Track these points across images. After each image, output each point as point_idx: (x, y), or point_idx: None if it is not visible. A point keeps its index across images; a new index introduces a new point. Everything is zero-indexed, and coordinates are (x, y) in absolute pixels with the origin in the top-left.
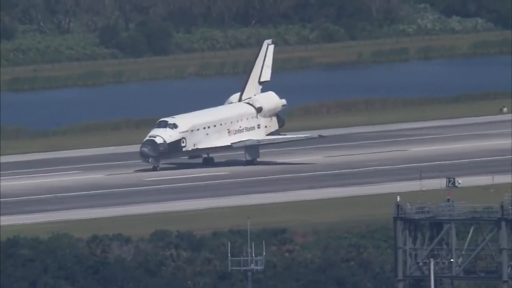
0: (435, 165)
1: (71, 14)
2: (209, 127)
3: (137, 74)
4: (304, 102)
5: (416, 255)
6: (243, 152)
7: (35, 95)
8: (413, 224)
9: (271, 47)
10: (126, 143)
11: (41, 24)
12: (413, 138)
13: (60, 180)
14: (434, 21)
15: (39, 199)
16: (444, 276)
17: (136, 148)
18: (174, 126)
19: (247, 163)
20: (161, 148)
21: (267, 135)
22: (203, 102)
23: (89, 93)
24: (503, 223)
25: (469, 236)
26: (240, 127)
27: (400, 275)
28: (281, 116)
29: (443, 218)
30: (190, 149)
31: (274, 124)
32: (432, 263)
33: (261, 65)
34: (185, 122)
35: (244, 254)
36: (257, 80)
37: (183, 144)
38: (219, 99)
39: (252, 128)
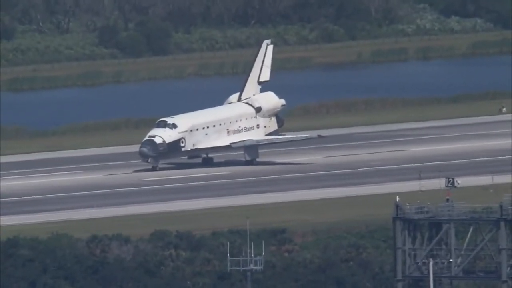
0: (435, 165)
1: (71, 14)
2: (208, 127)
3: (136, 74)
4: (304, 102)
5: (415, 255)
6: (243, 152)
7: (35, 95)
8: (413, 224)
9: (270, 47)
10: (125, 143)
11: (41, 24)
12: (412, 138)
13: (59, 180)
14: (433, 21)
15: (39, 199)
16: (443, 276)
17: (135, 148)
18: (174, 126)
19: (247, 163)
20: (161, 148)
21: (266, 135)
22: (202, 102)
23: (88, 93)
24: (502, 223)
25: (468, 236)
26: (240, 127)
27: (399, 275)
28: (280, 116)
29: (442, 218)
30: (189, 149)
31: (273, 124)
32: (431, 263)
33: (261, 65)
34: (184, 122)
35: (244, 254)
36: (257, 80)
37: (182, 144)
38: (219, 99)
39: (252, 128)
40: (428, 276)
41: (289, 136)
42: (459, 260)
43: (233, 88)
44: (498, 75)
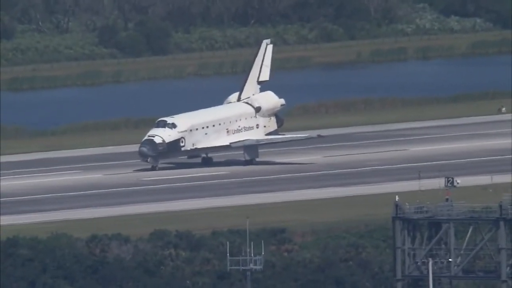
0: (434, 164)
1: (70, 14)
2: (208, 126)
3: (136, 74)
4: (303, 102)
5: (414, 255)
6: (242, 152)
7: (34, 94)
8: (412, 224)
9: (270, 47)
10: (125, 143)
11: (40, 23)
12: (412, 137)
13: (59, 180)
14: (433, 21)
15: (38, 198)
16: (442, 276)
17: (135, 147)
18: (173, 125)
19: (246, 163)
20: (160, 148)
21: (266, 134)
22: (202, 102)
23: (88, 92)
24: (501, 223)
25: (468, 235)
26: (239, 126)
27: (399, 275)
28: (280, 115)
29: (441, 217)
30: (189, 148)
31: (273, 124)
32: (430, 263)
33: (260, 64)
34: (184, 121)
35: (243, 254)
36: (256, 79)
37: (182, 144)
38: (218, 99)
39: (251, 128)
40: (427, 276)
41: (288, 135)
42: (459, 259)
43: (232, 87)
44: (498, 75)
